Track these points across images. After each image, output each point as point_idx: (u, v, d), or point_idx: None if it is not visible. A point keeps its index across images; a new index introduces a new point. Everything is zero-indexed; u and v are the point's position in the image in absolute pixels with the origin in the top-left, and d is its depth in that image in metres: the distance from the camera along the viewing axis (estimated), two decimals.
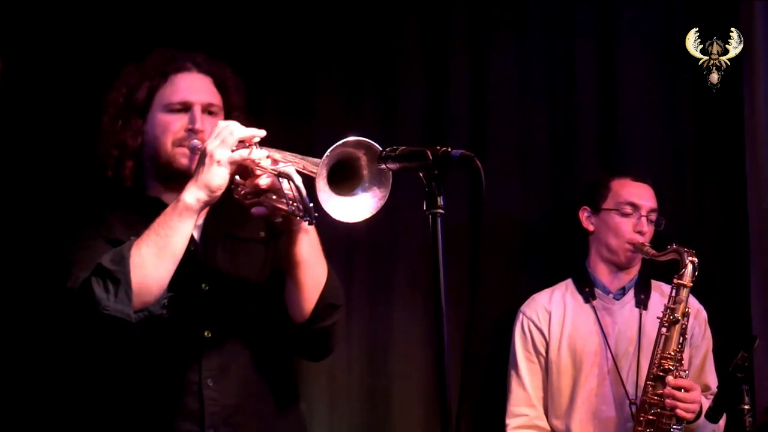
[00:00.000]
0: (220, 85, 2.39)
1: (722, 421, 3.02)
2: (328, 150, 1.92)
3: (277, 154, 2.11)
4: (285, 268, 2.25)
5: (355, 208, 1.98)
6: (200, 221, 2.33)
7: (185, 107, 2.31)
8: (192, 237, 2.26)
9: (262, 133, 2.14)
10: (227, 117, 2.33)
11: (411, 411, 3.36)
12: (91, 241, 2.20)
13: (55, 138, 3.02)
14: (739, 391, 2.73)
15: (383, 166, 1.96)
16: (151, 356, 2.24)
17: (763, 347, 3.42)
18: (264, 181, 2.13)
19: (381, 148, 1.97)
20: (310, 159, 2.03)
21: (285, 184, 2.05)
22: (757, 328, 3.49)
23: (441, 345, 1.84)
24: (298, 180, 2.01)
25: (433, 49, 3.52)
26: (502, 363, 3.31)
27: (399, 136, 3.33)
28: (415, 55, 3.50)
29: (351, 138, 1.95)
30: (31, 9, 3.06)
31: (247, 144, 2.12)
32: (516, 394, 3.19)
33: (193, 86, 2.34)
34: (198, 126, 2.29)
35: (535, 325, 3.22)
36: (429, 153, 1.87)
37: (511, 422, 3.18)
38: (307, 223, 2.06)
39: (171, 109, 2.31)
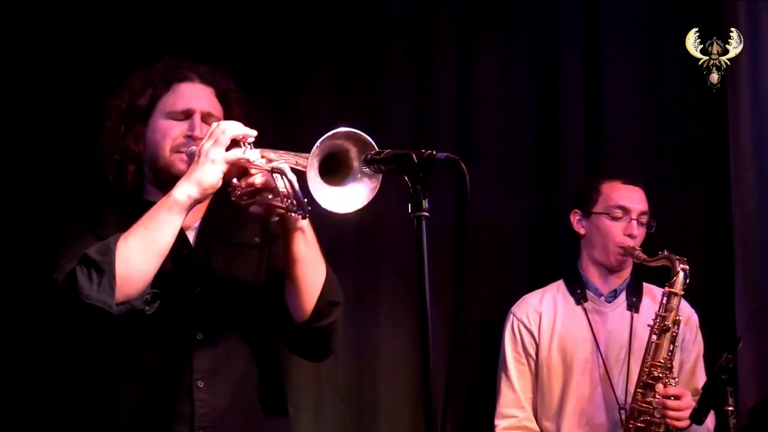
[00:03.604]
0: (222, 97, 2.43)
1: (712, 424, 3.04)
2: (318, 141, 1.94)
3: (271, 154, 2.14)
4: (284, 268, 2.27)
5: (346, 198, 2.00)
6: (196, 224, 2.37)
7: (186, 115, 2.35)
8: (188, 241, 2.31)
9: (254, 132, 2.17)
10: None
11: (398, 413, 3.36)
12: (82, 238, 2.21)
13: (54, 140, 3.05)
14: (724, 393, 2.74)
15: (368, 168, 1.97)
16: (143, 357, 2.25)
17: (747, 349, 3.44)
18: (259, 180, 2.15)
19: (370, 139, 1.99)
20: (303, 154, 2.04)
21: (279, 180, 2.07)
22: (740, 330, 3.50)
23: (426, 347, 1.85)
24: (291, 175, 2.03)
25: (419, 53, 3.53)
26: (489, 365, 3.32)
27: (384, 140, 3.32)
28: (401, 59, 3.51)
29: (341, 129, 1.97)
30: (34, 12, 3.09)
31: (241, 144, 2.15)
32: (505, 395, 3.19)
33: (195, 95, 2.38)
34: (197, 133, 2.32)
35: (525, 327, 3.22)
36: (414, 156, 1.88)
37: (500, 423, 3.18)
38: (300, 217, 2.08)
39: (172, 116, 2.35)
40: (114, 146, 2.36)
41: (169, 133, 2.33)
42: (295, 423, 3.23)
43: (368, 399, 3.37)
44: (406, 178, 1.89)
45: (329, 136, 1.95)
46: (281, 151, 2.13)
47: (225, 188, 2.19)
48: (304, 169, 1.98)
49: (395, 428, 3.36)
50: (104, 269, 2.06)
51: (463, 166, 1.85)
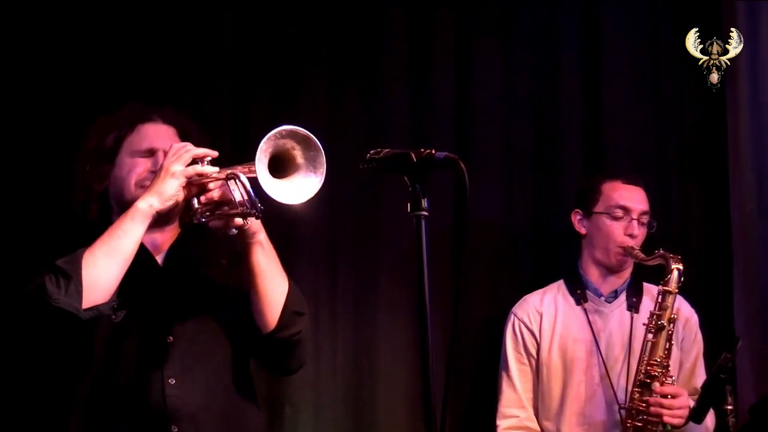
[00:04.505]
0: (184, 136, 2.53)
1: (712, 423, 3.04)
2: (264, 139, 2.06)
3: (227, 169, 2.26)
4: (247, 281, 2.38)
5: (294, 190, 2.14)
6: (165, 249, 2.48)
7: (150, 153, 2.48)
8: (155, 261, 2.43)
9: (215, 153, 2.31)
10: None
11: (397, 414, 3.36)
12: None
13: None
14: (723, 392, 2.75)
15: (363, 166, 1.99)
16: (116, 357, 2.33)
17: (746, 348, 3.45)
18: (216, 193, 2.29)
19: (309, 134, 2.11)
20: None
21: (234, 189, 2.20)
22: (739, 330, 3.51)
23: (425, 347, 1.85)
24: (244, 178, 2.17)
25: (418, 53, 3.53)
26: (489, 365, 3.32)
27: (384, 140, 3.33)
28: (400, 59, 3.51)
29: (284, 127, 2.10)
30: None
31: (200, 162, 2.29)
32: (507, 395, 3.20)
33: (158, 135, 2.51)
34: None
35: (526, 327, 3.22)
36: (413, 155, 1.89)
37: (501, 423, 3.18)
38: (255, 217, 2.21)
39: (137, 154, 2.49)
40: (80, 186, 2.49)
41: (134, 169, 2.47)
42: (294, 423, 3.26)
43: (368, 399, 3.37)
44: (406, 177, 1.89)
45: (273, 135, 2.08)
46: (236, 165, 2.25)
47: (189, 216, 2.32)
48: (254, 174, 2.10)
49: (395, 428, 3.36)
50: (71, 276, 2.17)
51: (463, 165, 1.86)
